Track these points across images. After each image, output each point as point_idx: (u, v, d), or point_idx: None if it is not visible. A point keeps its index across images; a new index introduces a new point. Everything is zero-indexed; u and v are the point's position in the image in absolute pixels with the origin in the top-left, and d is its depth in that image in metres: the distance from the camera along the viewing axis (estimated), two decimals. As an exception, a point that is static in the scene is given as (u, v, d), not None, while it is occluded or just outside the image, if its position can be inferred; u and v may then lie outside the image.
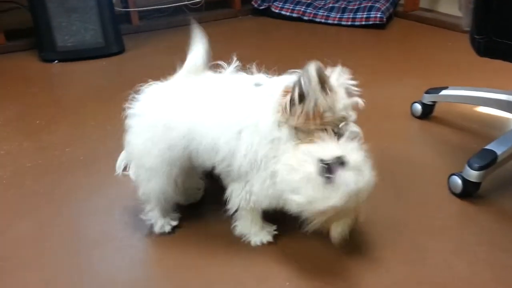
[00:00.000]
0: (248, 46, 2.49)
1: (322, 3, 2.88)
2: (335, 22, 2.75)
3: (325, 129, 0.89)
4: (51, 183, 1.32)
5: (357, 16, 2.70)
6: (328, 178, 0.83)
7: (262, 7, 2.96)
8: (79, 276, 0.99)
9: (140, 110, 1.00)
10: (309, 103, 0.86)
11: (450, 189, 1.21)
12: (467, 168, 1.15)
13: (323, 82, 0.86)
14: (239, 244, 1.05)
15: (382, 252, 1.02)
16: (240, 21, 2.96)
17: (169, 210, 1.10)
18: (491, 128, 1.55)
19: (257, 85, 0.97)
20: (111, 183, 1.28)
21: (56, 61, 2.29)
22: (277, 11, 2.90)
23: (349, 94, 0.93)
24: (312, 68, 0.84)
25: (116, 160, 1.27)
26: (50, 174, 1.36)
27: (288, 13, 2.87)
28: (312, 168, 0.84)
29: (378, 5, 2.69)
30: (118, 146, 1.11)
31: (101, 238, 1.10)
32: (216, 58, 1.06)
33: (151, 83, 1.04)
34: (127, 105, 1.02)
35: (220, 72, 1.02)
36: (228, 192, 0.99)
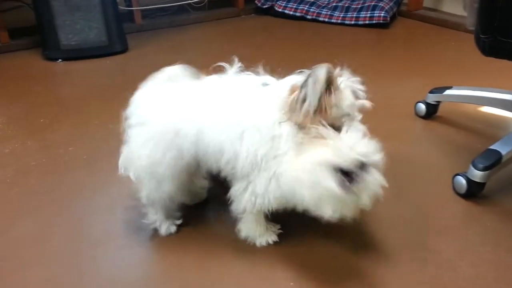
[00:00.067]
0: (251, 45, 2.49)
1: (326, 2, 2.87)
2: (339, 21, 2.74)
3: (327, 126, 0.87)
4: (54, 182, 1.32)
5: (361, 15, 2.69)
6: (350, 186, 0.82)
7: (265, 6, 2.96)
8: (82, 275, 0.99)
9: (143, 119, 0.98)
10: (313, 103, 0.85)
11: (454, 189, 1.21)
12: (472, 168, 1.15)
13: (330, 83, 0.86)
14: (243, 244, 1.05)
15: (386, 252, 1.02)
16: (243, 20, 2.96)
17: (173, 211, 1.10)
18: (495, 128, 1.54)
19: (265, 84, 0.97)
20: (113, 182, 1.28)
21: (59, 60, 2.29)
22: (280, 10, 2.90)
23: (356, 96, 0.93)
24: (321, 71, 0.84)
25: (119, 159, 1.26)
26: (53, 173, 1.36)
27: (291, 12, 2.87)
28: (332, 183, 0.82)
29: (382, 4, 2.68)
30: (121, 145, 1.11)
31: (104, 237, 1.10)
32: (219, 57, 1.05)
33: (145, 87, 1.03)
34: (125, 115, 1.00)
35: (223, 73, 1.01)
36: (231, 192, 0.99)
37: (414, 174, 1.31)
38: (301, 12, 2.84)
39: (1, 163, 1.42)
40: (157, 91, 1.01)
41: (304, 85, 0.85)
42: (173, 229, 1.09)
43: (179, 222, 1.10)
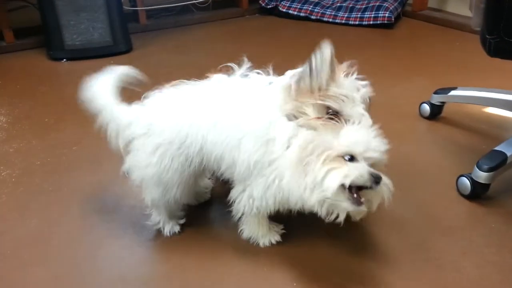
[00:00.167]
0: (256, 45, 2.49)
1: (330, 3, 2.87)
2: (343, 21, 2.74)
3: (331, 118, 0.87)
4: (59, 181, 1.32)
5: (365, 15, 2.69)
6: (361, 201, 0.83)
7: (270, 6, 2.96)
8: (87, 273, 1.00)
9: (148, 128, 0.98)
10: (317, 78, 0.87)
11: (458, 190, 1.21)
12: (476, 169, 1.14)
13: (332, 61, 0.87)
14: (245, 244, 1.05)
15: (389, 253, 1.02)
16: (247, 20, 2.96)
17: (176, 212, 1.10)
18: (500, 129, 1.54)
19: (271, 83, 0.97)
20: (118, 181, 1.29)
21: (64, 60, 2.30)
22: (284, 10, 2.90)
23: (357, 88, 0.93)
24: (327, 47, 0.86)
25: (122, 160, 1.27)
26: (58, 173, 1.37)
27: (295, 13, 2.86)
28: (346, 204, 0.83)
29: (386, 5, 2.67)
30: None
31: (108, 236, 1.10)
32: (223, 57, 1.05)
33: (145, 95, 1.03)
34: (127, 124, 1.00)
35: (229, 73, 1.02)
36: (231, 194, 1.00)
37: (418, 175, 1.30)
38: (305, 13, 2.84)
39: (6, 163, 1.43)
40: (160, 100, 1.01)
41: (309, 61, 0.86)
42: (176, 229, 1.09)
43: (182, 221, 1.11)
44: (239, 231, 1.06)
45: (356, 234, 1.09)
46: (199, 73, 1.06)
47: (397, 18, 2.74)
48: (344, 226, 1.11)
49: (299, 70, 0.91)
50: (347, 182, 0.81)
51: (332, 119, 0.86)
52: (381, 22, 2.64)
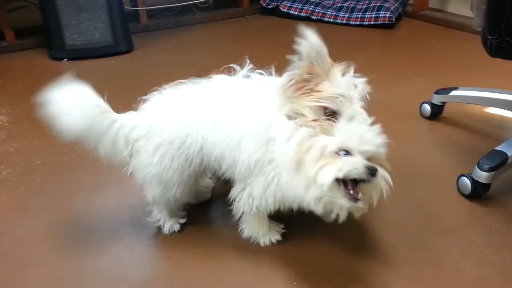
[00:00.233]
0: (257, 45, 2.49)
1: (331, 3, 2.87)
2: (344, 21, 2.74)
3: (329, 119, 0.87)
4: (59, 181, 1.32)
5: (366, 15, 2.69)
6: (358, 197, 0.83)
7: (271, 6, 2.96)
8: (87, 273, 1.00)
9: (149, 129, 0.98)
10: (307, 62, 0.87)
11: (459, 190, 1.20)
12: (477, 169, 1.14)
13: (321, 57, 0.88)
14: (246, 243, 1.05)
15: (389, 253, 1.02)
16: (248, 20, 2.96)
17: (177, 211, 1.10)
18: (501, 129, 1.54)
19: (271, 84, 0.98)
20: (120, 181, 1.29)
21: (65, 60, 2.30)
22: (285, 10, 2.90)
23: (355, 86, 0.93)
24: (311, 34, 0.87)
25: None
26: (59, 172, 1.37)
27: (296, 13, 2.86)
28: (343, 201, 0.83)
29: (387, 5, 2.67)
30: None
31: (110, 236, 1.10)
32: (224, 57, 1.06)
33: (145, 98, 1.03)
34: (129, 125, 1.00)
35: (231, 74, 1.02)
36: (231, 192, 1.00)
37: (419, 175, 1.30)
38: (306, 13, 2.84)
39: (7, 162, 1.43)
40: (160, 100, 1.01)
41: (298, 51, 0.87)
42: (176, 227, 1.09)
43: (183, 221, 1.11)
44: (239, 230, 1.06)
45: (356, 233, 1.09)
46: (200, 73, 1.06)
47: (398, 18, 2.74)
48: (344, 225, 1.11)
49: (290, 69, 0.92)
50: (341, 175, 0.81)
51: (329, 119, 0.86)
52: (382, 22, 2.64)
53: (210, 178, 1.22)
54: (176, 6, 2.88)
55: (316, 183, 0.81)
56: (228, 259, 1.02)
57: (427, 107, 1.60)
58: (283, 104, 0.90)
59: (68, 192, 1.28)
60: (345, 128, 0.85)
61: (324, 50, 0.89)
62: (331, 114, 0.87)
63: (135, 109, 1.04)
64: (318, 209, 0.85)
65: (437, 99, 1.58)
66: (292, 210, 0.96)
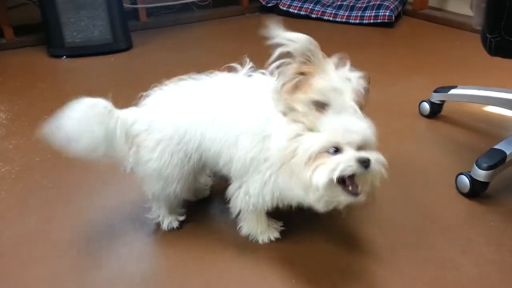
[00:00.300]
0: (256, 43, 2.48)
1: (330, 1, 2.87)
2: (343, 20, 2.74)
3: (320, 111, 0.87)
4: (58, 178, 1.32)
5: (366, 14, 2.69)
6: (357, 190, 0.83)
7: (270, 5, 2.96)
8: (87, 269, 1.00)
9: (149, 125, 0.99)
10: (298, 60, 0.88)
11: (458, 188, 1.21)
12: (476, 167, 1.14)
13: (310, 53, 0.89)
14: (245, 240, 1.06)
15: (389, 251, 1.02)
16: (248, 19, 2.96)
17: (176, 207, 1.10)
18: (500, 128, 1.54)
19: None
20: (119, 178, 1.29)
21: (64, 57, 2.30)
22: (285, 8, 2.89)
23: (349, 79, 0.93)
24: (296, 34, 0.89)
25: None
26: (58, 169, 1.37)
27: (295, 11, 2.86)
28: (344, 197, 0.83)
29: (387, 4, 2.67)
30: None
31: (109, 233, 1.10)
32: (223, 55, 1.06)
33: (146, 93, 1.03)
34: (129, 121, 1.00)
35: (233, 72, 1.02)
36: (228, 190, 1.00)
37: (418, 173, 1.30)
38: (306, 11, 2.84)
39: (6, 159, 1.43)
40: (161, 97, 1.02)
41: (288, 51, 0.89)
42: (175, 224, 1.09)
43: (182, 218, 1.11)
44: (238, 227, 1.06)
45: (355, 232, 1.09)
46: (200, 71, 1.06)
47: (398, 17, 2.74)
48: (343, 224, 1.11)
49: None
50: (335, 176, 0.80)
51: (320, 111, 0.86)
52: (381, 21, 2.64)
53: (210, 177, 1.22)
54: (175, 4, 2.88)
55: (313, 187, 0.81)
56: (227, 256, 1.02)
57: (426, 106, 1.60)
58: (278, 101, 0.90)
59: (67, 190, 1.27)
60: (328, 122, 0.84)
61: (313, 45, 0.89)
62: (322, 107, 0.87)
63: (135, 105, 1.03)
64: (321, 208, 0.85)
65: (436, 97, 1.58)
66: (291, 207, 0.97)
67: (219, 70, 1.04)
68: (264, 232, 1.05)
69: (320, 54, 0.90)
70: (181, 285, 0.95)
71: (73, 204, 1.21)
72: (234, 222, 1.06)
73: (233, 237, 1.07)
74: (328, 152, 0.83)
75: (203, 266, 1.00)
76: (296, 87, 0.89)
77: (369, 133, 0.86)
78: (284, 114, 0.88)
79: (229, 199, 1.00)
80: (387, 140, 1.46)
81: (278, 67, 0.91)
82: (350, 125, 0.84)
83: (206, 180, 1.21)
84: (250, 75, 1.01)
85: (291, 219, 1.09)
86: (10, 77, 2.09)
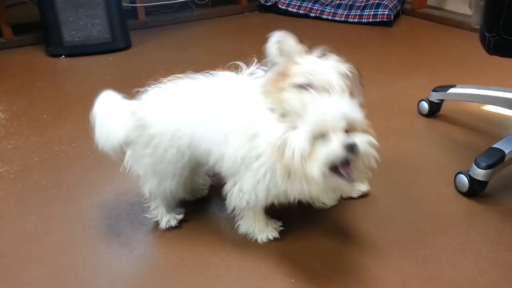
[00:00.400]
0: (255, 42, 2.48)
1: (329, 0, 2.86)
2: (342, 19, 2.73)
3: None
4: (57, 178, 1.32)
5: (364, 13, 2.69)
6: (352, 174, 0.84)
7: (269, 4, 2.96)
8: (86, 269, 1.00)
9: (143, 121, 1.00)
10: (279, 61, 0.92)
11: (456, 187, 1.21)
12: (474, 166, 1.14)
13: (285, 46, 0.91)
14: (244, 240, 1.06)
15: (388, 250, 1.02)
16: (247, 18, 2.95)
17: (174, 206, 1.11)
18: (498, 127, 1.54)
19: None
20: (118, 178, 1.29)
21: (63, 56, 2.29)
22: (283, 7, 2.89)
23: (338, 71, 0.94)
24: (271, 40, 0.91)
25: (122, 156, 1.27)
26: (57, 169, 1.37)
27: (294, 10, 2.86)
28: (343, 183, 0.84)
29: (386, 2, 2.67)
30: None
31: (108, 232, 1.10)
32: (222, 54, 1.06)
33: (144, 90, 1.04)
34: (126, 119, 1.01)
35: (236, 72, 1.03)
36: (224, 188, 1.01)
37: (417, 172, 1.31)
38: (305, 10, 2.83)
39: (5, 159, 1.42)
40: (156, 94, 1.03)
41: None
42: (173, 222, 1.10)
43: (180, 217, 1.11)
44: (235, 226, 1.06)
45: (353, 231, 1.09)
46: (199, 70, 1.06)
47: (396, 16, 2.74)
48: (342, 223, 1.12)
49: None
50: (326, 168, 0.82)
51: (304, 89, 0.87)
52: (380, 20, 2.64)
53: (209, 176, 1.23)
54: (174, 3, 2.88)
55: (312, 181, 0.82)
56: (226, 256, 1.02)
57: (425, 105, 1.60)
58: (265, 98, 0.91)
59: (66, 189, 1.27)
60: (313, 111, 0.84)
61: (288, 43, 0.92)
62: (305, 89, 0.88)
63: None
64: (327, 200, 0.86)
65: (435, 96, 1.58)
66: (288, 204, 0.97)
67: (219, 68, 1.04)
68: (263, 231, 1.05)
69: (296, 48, 0.92)
70: (181, 285, 0.95)
71: (72, 204, 1.21)
72: (233, 221, 1.06)
73: (232, 236, 1.07)
74: (315, 142, 0.83)
75: (202, 265, 1.00)
76: (278, 79, 0.90)
77: (353, 114, 0.85)
78: (273, 110, 0.89)
79: (225, 196, 1.01)
80: (386, 139, 1.46)
81: (264, 67, 0.94)
82: (333, 109, 0.84)
83: (205, 180, 1.22)
84: (253, 74, 1.02)
85: (291, 219, 1.09)
86: (8, 76, 2.09)
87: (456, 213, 1.14)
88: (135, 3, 2.69)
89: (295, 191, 0.88)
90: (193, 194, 1.18)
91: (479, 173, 1.14)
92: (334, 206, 1.15)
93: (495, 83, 1.70)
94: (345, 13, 2.74)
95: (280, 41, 0.91)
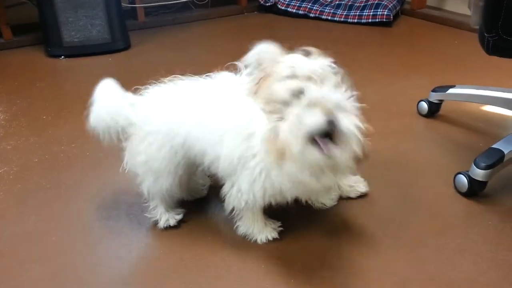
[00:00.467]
0: (255, 43, 2.48)
1: (329, 0, 2.87)
2: (341, 19, 2.74)
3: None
4: (57, 178, 1.32)
5: (364, 13, 2.69)
6: (330, 148, 0.83)
7: (268, 4, 2.96)
8: (86, 270, 1.00)
9: (138, 119, 1.02)
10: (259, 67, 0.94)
11: (456, 187, 1.21)
12: (474, 167, 1.15)
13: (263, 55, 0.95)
14: (243, 240, 1.06)
15: (387, 250, 1.02)
16: (246, 18, 2.96)
17: (173, 206, 1.11)
18: (498, 127, 1.54)
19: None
20: (117, 178, 1.29)
21: (62, 57, 2.29)
22: (283, 8, 2.89)
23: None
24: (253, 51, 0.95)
25: (121, 156, 1.27)
26: (57, 169, 1.37)
27: (294, 10, 2.86)
28: (318, 155, 0.83)
29: (385, 3, 2.67)
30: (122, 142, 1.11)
31: (108, 233, 1.10)
32: (222, 55, 1.06)
33: (143, 89, 1.06)
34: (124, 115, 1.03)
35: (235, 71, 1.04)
36: (223, 189, 1.01)
37: (416, 172, 1.31)
38: (304, 10, 2.84)
39: (4, 160, 1.42)
40: (153, 93, 1.04)
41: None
42: (172, 222, 1.10)
43: (179, 217, 1.11)
44: (235, 227, 1.06)
45: (353, 231, 1.09)
46: (198, 71, 1.07)
47: (396, 16, 2.74)
48: (342, 223, 1.12)
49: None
50: (305, 138, 0.82)
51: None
52: (379, 20, 2.64)
53: (209, 176, 1.23)
54: (174, 4, 2.88)
55: (295, 157, 0.83)
56: (227, 256, 1.02)
57: (424, 105, 1.60)
58: (255, 100, 0.92)
59: (65, 190, 1.27)
60: (299, 102, 0.85)
61: (270, 51, 0.95)
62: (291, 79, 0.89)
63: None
64: (325, 199, 0.85)
65: (435, 97, 1.58)
66: (287, 203, 0.97)
67: (218, 69, 1.04)
68: (262, 232, 1.05)
69: (278, 51, 0.95)
70: (181, 285, 0.95)
71: (72, 204, 1.21)
72: (232, 222, 1.06)
73: (231, 236, 1.07)
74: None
75: (202, 266, 1.00)
76: (264, 80, 0.92)
77: (339, 96, 0.86)
78: (263, 110, 0.90)
79: (224, 197, 1.01)
80: (385, 139, 1.46)
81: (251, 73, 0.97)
82: (320, 90, 0.85)
83: (204, 180, 1.22)
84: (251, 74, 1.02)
85: (290, 219, 1.09)
86: (8, 77, 2.09)
87: (455, 213, 1.14)
88: (135, 4, 2.69)
89: (289, 185, 0.88)
90: (192, 194, 1.18)
91: (479, 174, 1.14)
92: (334, 206, 1.15)
93: (494, 83, 1.71)
94: (344, 13, 2.74)
95: (260, 53, 0.94)
